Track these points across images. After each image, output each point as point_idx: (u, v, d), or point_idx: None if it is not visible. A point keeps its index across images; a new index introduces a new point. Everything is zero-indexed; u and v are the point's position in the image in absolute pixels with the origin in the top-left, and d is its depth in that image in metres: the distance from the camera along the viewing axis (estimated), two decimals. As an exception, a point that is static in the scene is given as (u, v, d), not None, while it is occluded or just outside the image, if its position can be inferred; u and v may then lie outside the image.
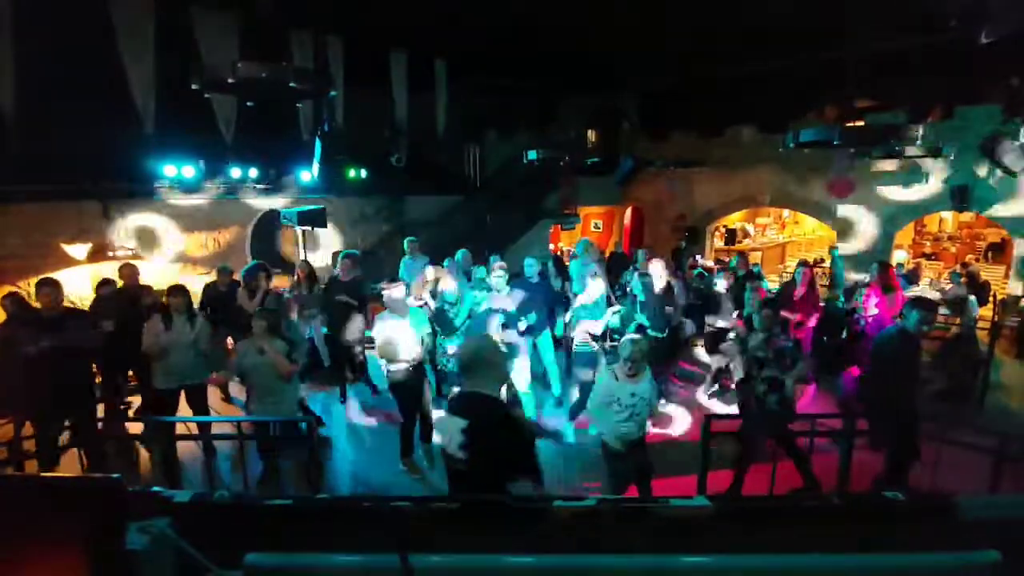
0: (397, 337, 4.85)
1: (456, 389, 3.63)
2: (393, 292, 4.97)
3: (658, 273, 6.20)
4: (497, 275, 5.66)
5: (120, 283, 6.08)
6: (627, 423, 3.87)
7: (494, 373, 2.40)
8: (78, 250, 8.19)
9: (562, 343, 6.84)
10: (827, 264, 13.96)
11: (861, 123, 10.16)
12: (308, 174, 9.34)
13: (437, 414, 2.30)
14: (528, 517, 1.35)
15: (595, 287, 5.82)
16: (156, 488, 1.31)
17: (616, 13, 8.17)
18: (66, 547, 1.04)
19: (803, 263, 7.36)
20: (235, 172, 8.78)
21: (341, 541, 1.26)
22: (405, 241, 7.89)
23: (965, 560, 1.25)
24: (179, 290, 5.03)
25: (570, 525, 1.32)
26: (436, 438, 2.28)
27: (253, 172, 9.03)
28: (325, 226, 8.06)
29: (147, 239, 8.84)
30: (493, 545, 1.26)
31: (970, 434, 4.14)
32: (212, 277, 7.07)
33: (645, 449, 4.12)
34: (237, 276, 6.54)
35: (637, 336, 4.19)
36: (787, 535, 1.32)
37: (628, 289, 6.29)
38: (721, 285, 7.14)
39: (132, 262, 6.71)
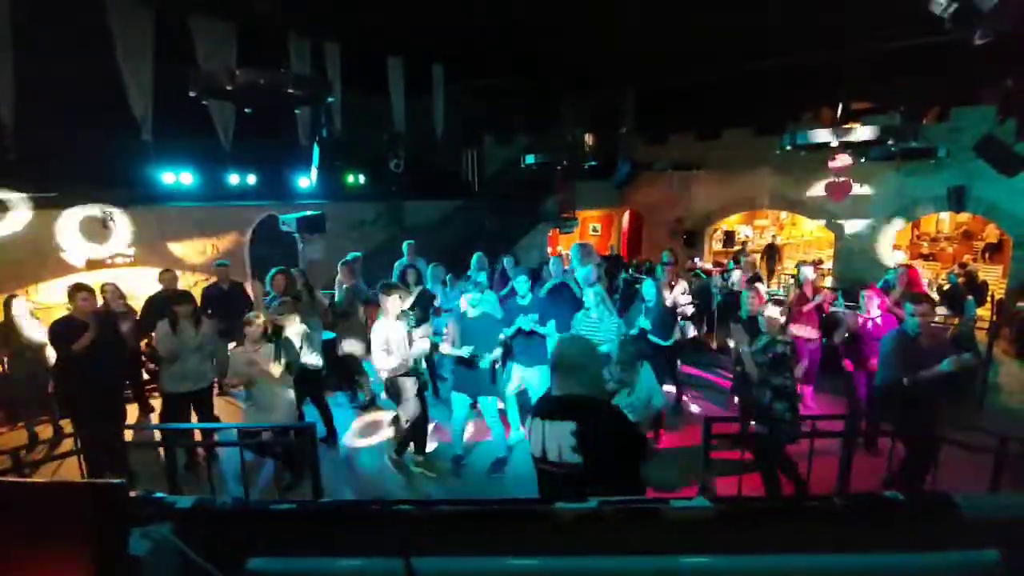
0: (391, 340, 4.87)
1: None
2: (390, 301, 4.99)
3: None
4: (521, 282, 5.64)
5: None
6: None
7: (589, 374, 2.35)
8: (77, 257, 8.18)
9: None
10: (826, 266, 14.04)
11: (857, 125, 10.21)
12: (307, 180, 9.35)
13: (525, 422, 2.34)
14: (532, 520, 1.35)
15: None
16: (159, 493, 1.31)
17: (612, 16, 8.20)
18: (68, 553, 1.04)
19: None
20: (233, 178, 8.79)
21: (345, 545, 1.27)
22: (404, 244, 8.14)
23: (965, 560, 1.25)
24: (185, 296, 5.11)
25: (573, 527, 1.32)
26: (530, 443, 2.29)
27: (251, 178, 9.04)
28: (324, 232, 8.07)
29: (146, 246, 8.83)
30: (496, 548, 1.26)
31: (969, 434, 4.14)
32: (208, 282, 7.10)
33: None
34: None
35: (623, 341, 4.29)
36: (787, 535, 1.32)
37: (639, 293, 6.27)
38: (737, 282, 7.24)
39: (171, 269, 6.87)
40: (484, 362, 5.02)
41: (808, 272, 6.85)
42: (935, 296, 9.58)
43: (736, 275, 7.39)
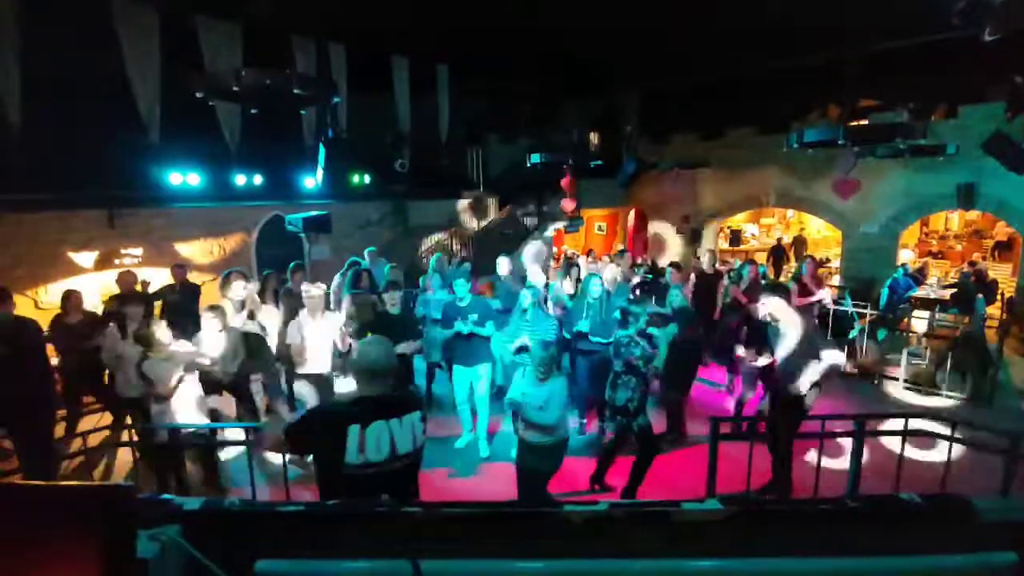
0: (309, 339, 4.85)
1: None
2: (312, 290, 4.99)
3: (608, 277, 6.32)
4: (459, 284, 5.61)
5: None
6: (531, 424, 3.94)
7: (394, 375, 2.47)
8: (85, 258, 8.23)
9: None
10: (832, 264, 13.97)
11: (864, 122, 10.14)
12: (312, 180, 9.38)
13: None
14: (540, 522, 1.34)
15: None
16: (166, 495, 1.31)
17: (617, 14, 8.18)
18: (76, 556, 1.03)
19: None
20: (239, 179, 8.82)
21: (352, 547, 1.26)
22: (365, 251, 8.36)
23: (982, 562, 1.23)
24: (132, 298, 4.97)
25: (581, 530, 1.31)
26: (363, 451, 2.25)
27: (257, 179, 9.07)
28: (330, 231, 8.09)
29: (153, 247, 8.87)
30: (505, 551, 1.25)
31: (980, 434, 4.11)
32: (217, 282, 7.10)
33: (552, 453, 4.06)
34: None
35: (549, 341, 4.33)
36: (800, 538, 1.31)
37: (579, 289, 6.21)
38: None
39: (131, 269, 6.72)
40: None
41: (748, 270, 7.04)
42: (944, 295, 9.53)
43: (670, 273, 7.24)
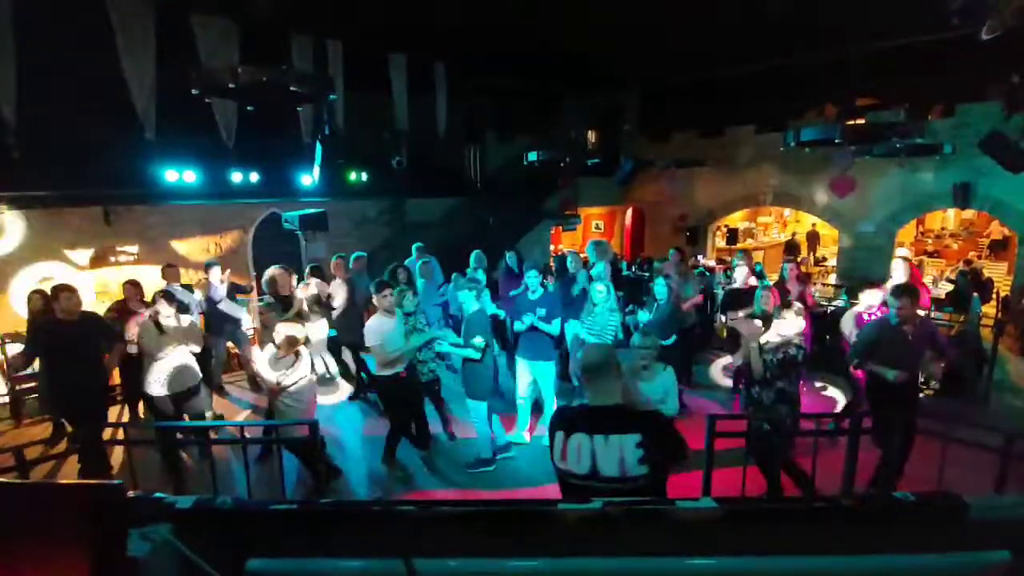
0: (389, 338, 4.84)
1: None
2: (385, 294, 4.98)
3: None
4: (531, 276, 5.69)
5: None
6: None
7: (618, 382, 2.30)
8: (80, 256, 8.19)
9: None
10: (830, 263, 14.00)
11: (862, 121, 10.15)
12: (309, 177, 9.34)
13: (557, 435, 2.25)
14: (535, 521, 1.34)
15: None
16: (158, 494, 1.30)
17: (617, 14, 8.16)
18: (66, 554, 1.03)
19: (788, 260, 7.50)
20: (236, 176, 8.78)
21: (345, 546, 1.25)
22: (414, 247, 8.31)
23: (975, 560, 1.23)
24: (166, 295, 5.07)
25: (576, 528, 1.30)
26: (566, 460, 2.17)
27: (254, 176, 9.03)
28: (327, 229, 8.06)
29: (149, 244, 8.84)
30: (499, 549, 1.25)
31: (975, 432, 4.11)
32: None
33: None
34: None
35: (649, 333, 4.13)
36: (795, 536, 1.31)
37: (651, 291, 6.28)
38: (740, 279, 7.16)
39: (171, 264, 7.05)
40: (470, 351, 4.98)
41: (789, 269, 6.97)
42: (940, 294, 9.56)
43: (740, 272, 7.27)
